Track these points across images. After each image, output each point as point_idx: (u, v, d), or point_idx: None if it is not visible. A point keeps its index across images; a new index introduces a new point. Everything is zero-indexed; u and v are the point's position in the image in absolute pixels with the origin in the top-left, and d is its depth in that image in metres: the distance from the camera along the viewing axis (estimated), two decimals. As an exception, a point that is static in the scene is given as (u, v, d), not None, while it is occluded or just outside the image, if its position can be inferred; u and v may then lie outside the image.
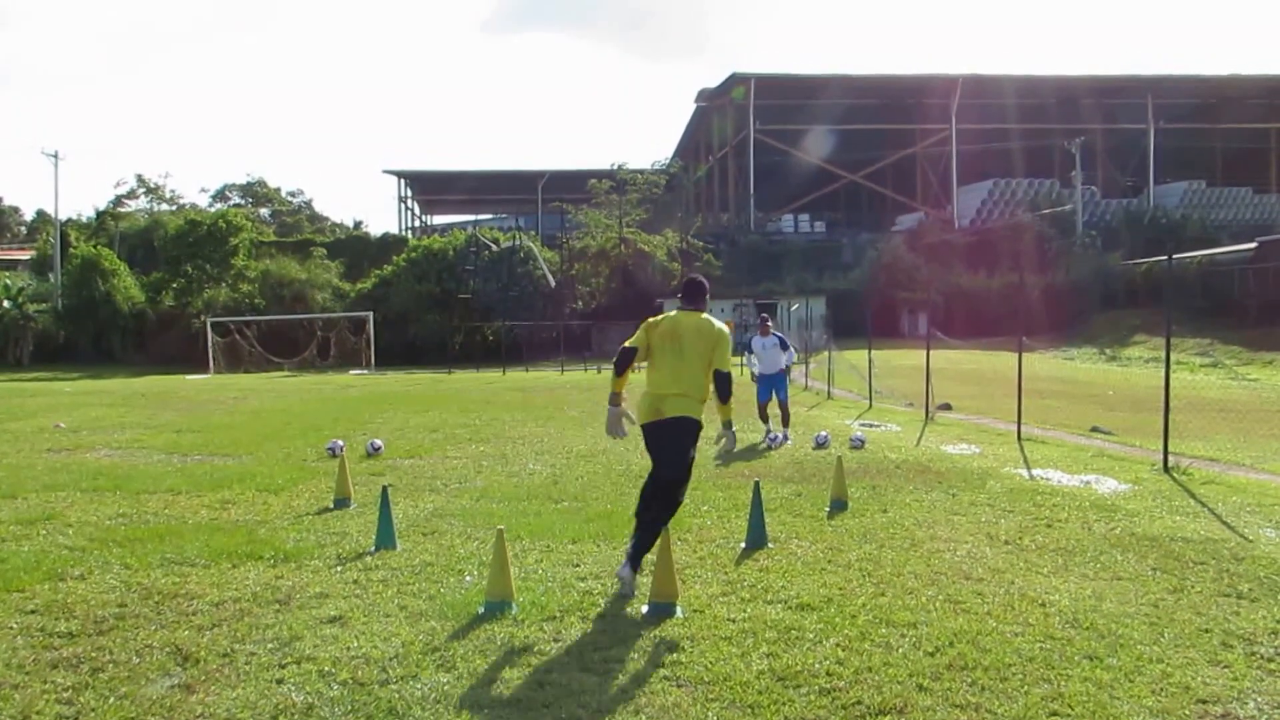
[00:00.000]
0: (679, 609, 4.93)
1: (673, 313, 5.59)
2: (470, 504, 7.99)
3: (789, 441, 11.81)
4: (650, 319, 5.58)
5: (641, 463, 10.23)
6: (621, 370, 5.44)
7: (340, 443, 11.11)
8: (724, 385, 5.34)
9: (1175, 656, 4.30)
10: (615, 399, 5.41)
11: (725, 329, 5.47)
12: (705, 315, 5.55)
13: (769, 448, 11.53)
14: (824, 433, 11.89)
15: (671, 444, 5.35)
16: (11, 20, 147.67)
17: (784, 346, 12.77)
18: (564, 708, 3.80)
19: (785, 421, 12.40)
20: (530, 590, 5.29)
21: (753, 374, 13.13)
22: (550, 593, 5.29)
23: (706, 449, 9.50)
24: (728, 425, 5.49)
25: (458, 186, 73.21)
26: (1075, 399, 19.40)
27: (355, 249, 53.63)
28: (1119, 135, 62.15)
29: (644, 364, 5.53)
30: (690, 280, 5.67)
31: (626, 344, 5.46)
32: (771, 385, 12.58)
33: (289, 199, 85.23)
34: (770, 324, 13.21)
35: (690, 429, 5.37)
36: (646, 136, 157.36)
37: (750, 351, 13.07)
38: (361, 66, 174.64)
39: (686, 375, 5.32)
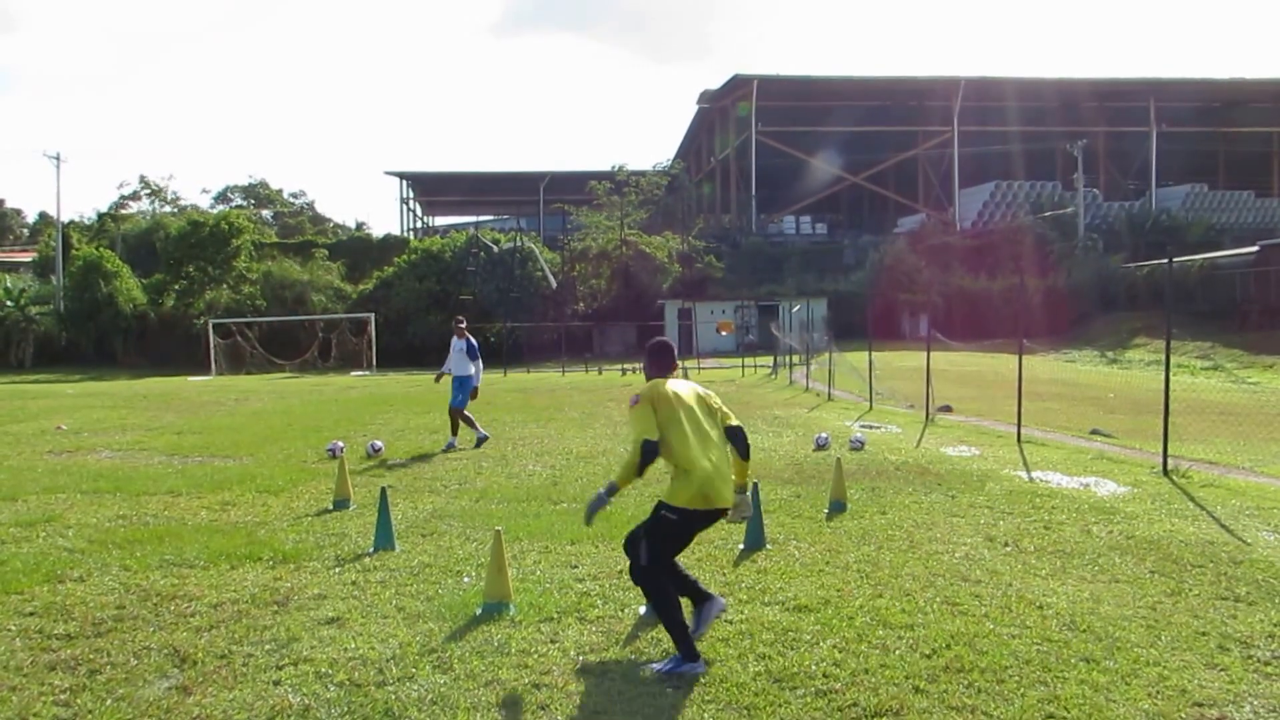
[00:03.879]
0: (676, 611, 4.92)
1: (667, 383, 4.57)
2: (469, 505, 8.00)
3: (453, 449, 11.42)
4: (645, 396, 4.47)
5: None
6: (643, 471, 4.34)
7: (340, 444, 11.14)
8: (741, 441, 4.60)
9: (1172, 659, 4.30)
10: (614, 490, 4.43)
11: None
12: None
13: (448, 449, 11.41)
14: (824, 434, 11.89)
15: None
16: (16, 24, 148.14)
17: (472, 355, 11.96)
18: (561, 709, 3.81)
19: (454, 429, 11.89)
20: (528, 591, 5.29)
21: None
22: (548, 594, 5.29)
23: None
24: (741, 490, 4.65)
25: (459, 187, 73.35)
26: (1075, 401, 19.39)
27: (357, 250, 53.69)
28: (1121, 138, 62.17)
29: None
30: (659, 344, 4.84)
31: (646, 437, 4.30)
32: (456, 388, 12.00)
33: (291, 200, 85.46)
34: (464, 325, 12.32)
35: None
36: (649, 138, 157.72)
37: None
38: (365, 68, 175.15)
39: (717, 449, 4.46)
